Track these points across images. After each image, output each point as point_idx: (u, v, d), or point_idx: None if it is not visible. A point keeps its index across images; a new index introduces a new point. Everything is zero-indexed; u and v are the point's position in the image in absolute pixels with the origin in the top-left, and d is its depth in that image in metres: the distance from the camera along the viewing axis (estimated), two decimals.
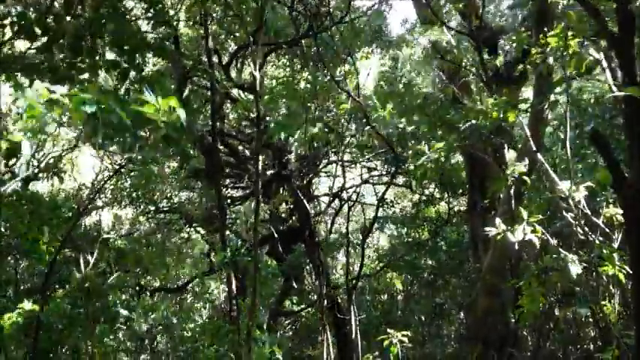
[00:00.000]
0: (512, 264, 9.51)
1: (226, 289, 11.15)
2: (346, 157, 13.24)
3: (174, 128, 3.14)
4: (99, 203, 14.03)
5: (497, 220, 5.95)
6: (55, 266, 9.69)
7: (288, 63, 13.04)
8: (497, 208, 9.14)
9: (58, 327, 9.70)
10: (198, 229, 14.00)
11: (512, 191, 8.02)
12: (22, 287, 11.16)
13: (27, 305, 9.74)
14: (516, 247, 5.99)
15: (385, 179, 13.91)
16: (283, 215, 12.42)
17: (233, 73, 12.10)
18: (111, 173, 12.91)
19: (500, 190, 8.54)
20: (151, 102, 2.99)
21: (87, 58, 5.35)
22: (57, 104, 2.92)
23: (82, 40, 5.30)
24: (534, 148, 7.28)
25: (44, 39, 5.23)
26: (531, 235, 5.66)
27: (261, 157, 10.11)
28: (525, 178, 7.01)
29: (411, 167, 12.48)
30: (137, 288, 12.96)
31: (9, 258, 10.98)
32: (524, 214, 5.78)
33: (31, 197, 9.25)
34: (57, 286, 10.49)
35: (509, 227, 5.78)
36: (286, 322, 15.42)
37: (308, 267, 14.04)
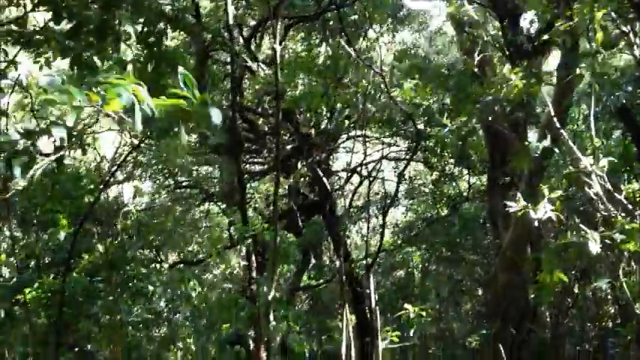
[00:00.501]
0: (532, 240, 9.47)
1: (245, 263, 11.24)
2: (366, 132, 13.19)
3: (205, 121, 3.17)
4: (119, 177, 14.16)
5: (519, 196, 5.90)
6: (78, 239, 9.80)
7: (308, 37, 12.95)
8: (518, 185, 9.07)
9: (80, 300, 9.85)
10: (218, 203, 14.07)
11: (533, 167, 7.97)
12: (44, 260, 11.31)
13: (49, 278, 9.91)
14: (536, 223, 5.95)
15: (405, 155, 13.85)
16: (302, 190, 12.44)
17: (253, 47, 12.06)
18: (131, 147, 12.99)
19: (522, 166, 8.47)
20: (186, 95, 3.03)
21: (112, 44, 5.36)
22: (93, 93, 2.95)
23: (108, 26, 5.30)
24: (557, 124, 7.19)
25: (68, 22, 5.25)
26: (551, 212, 5.62)
27: (280, 132, 10.10)
28: (547, 154, 6.94)
29: (431, 143, 12.47)
30: (156, 261, 13.09)
31: (31, 231, 11.13)
32: (546, 190, 5.73)
33: (53, 170, 9.31)
34: (79, 259, 10.62)
35: (529, 204, 5.73)
36: (304, 296, 15.54)
37: (326, 242, 14.09)
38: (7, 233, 10.86)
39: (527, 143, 7.21)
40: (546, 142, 6.98)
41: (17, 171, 3.47)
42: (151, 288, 10.60)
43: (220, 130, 9.07)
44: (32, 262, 10.42)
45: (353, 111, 11.30)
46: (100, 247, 10.66)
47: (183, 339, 12.92)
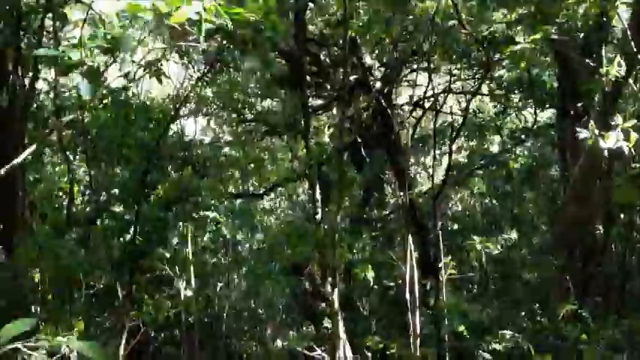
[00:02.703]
0: (603, 172, 9.21)
1: (309, 195, 11.42)
2: (430, 63, 12.93)
3: (273, 29, 3.16)
4: (185, 111, 14.46)
5: (591, 124, 5.74)
6: (148, 171, 10.13)
7: None
8: (590, 115, 8.78)
9: (151, 230, 10.28)
10: (281, 137, 14.22)
11: (606, 95, 7.68)
12: (115, 192, 11.77)
13: (120, 208, 10.37)
14: (606, 153, 5.80)
15: (470, 88, 13.56)
16: (365, 123, 12.39)
17: None
18: (195, 82, 13.17)
19: (593, 93, 8.18)
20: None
21: None
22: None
23: None
24: (634, 49, 6.87)
25: None
26: (623, 142, 5.45)
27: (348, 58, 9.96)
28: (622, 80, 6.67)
29: (499, 73, 12.13)
30: (222, 193, 13.44)
31: (102, 163, 11.56)
32: (619, 119, 5.55)
33: (124, 102, 9.60)
34: (149, 191, 11.02)
35: (601, 132, 5.57)
36: (366, 229, 15.68)
37: (389, 175, 14.11)
38: (73, 164, 11.29)
39: (601, 70, 6.94)
40: (622, 70, 6.72)
41: (84, 88, 3.55)
42: (215, 216, 10.92)
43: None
44: (104, 195, 10.87)
45: (417, 40, 11.03)
46: (170, 180, 11.04)
47: (247, 267, 13.35)
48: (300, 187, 12.89)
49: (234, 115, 14.68)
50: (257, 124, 14.92)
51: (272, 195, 15.79)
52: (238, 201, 13.73)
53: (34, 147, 7.88)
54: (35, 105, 9.15)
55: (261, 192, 14.61)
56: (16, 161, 6.57)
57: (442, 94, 13.02)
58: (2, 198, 6.48)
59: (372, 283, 12.04)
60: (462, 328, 9.36)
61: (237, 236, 13.27)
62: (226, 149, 14.25)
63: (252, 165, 14.42)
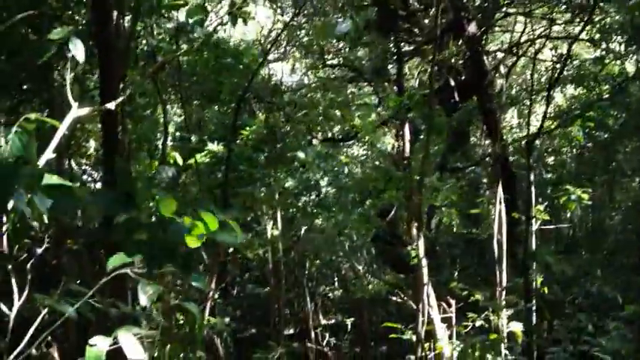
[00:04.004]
0: None
1: (396, 140, 11.33)
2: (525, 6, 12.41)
3: None
4: (273, 56, 14.53)
5: None
6: (239, 113, 10.34)
7: None
8: None
9: (241, 170, 10.56)
10: (368, 82, 14.05)
11: None
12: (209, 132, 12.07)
13: (214, 147, 10.66)
14: None
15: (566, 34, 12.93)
16: (456, 68, 12.05)
17: None
18: (283, 26, 13.19)
19: None
20: None
21: None
22: None
23: None
24: None
25: None
26: None
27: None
28: None
29: (599, 17, 11.46)
30: (309, 137, 13.54)
31: (195, 103, 11.86)
32: None
33: (216, 44, 9.76)
34: (239, 132, 11.25)
35: None
36: (452, 178, 15.46)
37: (479, 122, 13.77)
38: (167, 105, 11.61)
39: None
40: None
41: (194, 27, 3.62)
42: (302, 157, 11.03)
43: None
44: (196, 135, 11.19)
45: None
46: (258, 121, 11.21)
47: (331, 211, 13.50)
48: (388, 134, 12.76)
49: (321, 60, 14.62)
50: (344, 70, 14.81)
51: (357, 144, 15.76)
52: (323, 146, 13.79)
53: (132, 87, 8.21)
54: (135, 46, 9.45)
55: (347, 138, 14.61)
56: (120, 99, 6.86)
57: (539, 40, 12.48)
58: (107, 129, 6.93)
59: (456, 230, 11.97)
60: (550, 279, 9.20)
61: (321, 181, 13.40)
62: (312, 94, 14.26)
63: (338, 112, 14.40)
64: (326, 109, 12.90)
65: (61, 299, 3.40)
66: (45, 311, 3.48)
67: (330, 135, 15.07)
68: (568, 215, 13.65)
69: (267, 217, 12.22)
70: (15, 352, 3.34)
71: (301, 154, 10.16)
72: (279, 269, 13.02)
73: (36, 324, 3.37)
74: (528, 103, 10.36)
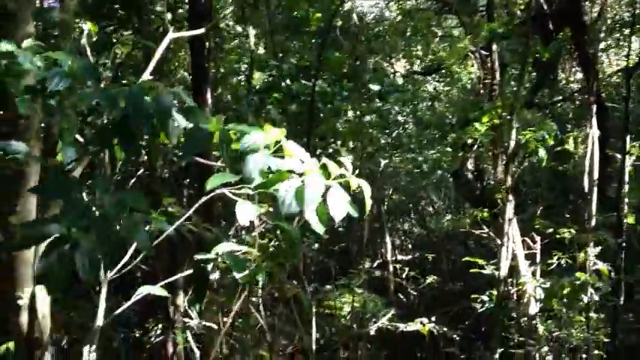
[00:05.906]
0: None
1: (483, 71, 10.95)
2: None
3: None
4: None
5: None
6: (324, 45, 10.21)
7: None
8: None
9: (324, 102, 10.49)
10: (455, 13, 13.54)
11: None
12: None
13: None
14: None
15: None
16: None
17: None
18: None
19: None
20: None
21: None
22: None
23: None
24: None
25: None
26: None
27: None
28: None
29: None
30: (392, 71, 13.30)
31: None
32: None
33: None
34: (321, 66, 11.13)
35: None
36: (540, 114, 14.90)
37: (570, 56, 13.13)
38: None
39: None
40: None
41: None
42: (375, 88, 10.83)
43: None
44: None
45: None
46: (342, 53, 11.06)
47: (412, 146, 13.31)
48: (473, 66, 12.35)
49: None
50: (429, 1, 14.35)
51: (439, 79, 15.36)
52: (406, 81, 13.52)
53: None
54: None
55: (430, 71, 14.28)
56: (206, 28, 6.92)
57: None
58: (195, 54, 7.12)
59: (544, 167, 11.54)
60: None
61: (400, 116, 13.19)
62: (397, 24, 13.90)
63: (420, 44, 14.02)
64: (409, 38, 12.54)
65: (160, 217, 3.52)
66: (147, 227, 3.58)
67: (411, 68, 14.76)
68: None
69: (345, 150, 12.19)
70: (119, 265, 3.50)
71: (375, 87, 9.93)
72: None
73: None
74: (628, 31, 9.69)
